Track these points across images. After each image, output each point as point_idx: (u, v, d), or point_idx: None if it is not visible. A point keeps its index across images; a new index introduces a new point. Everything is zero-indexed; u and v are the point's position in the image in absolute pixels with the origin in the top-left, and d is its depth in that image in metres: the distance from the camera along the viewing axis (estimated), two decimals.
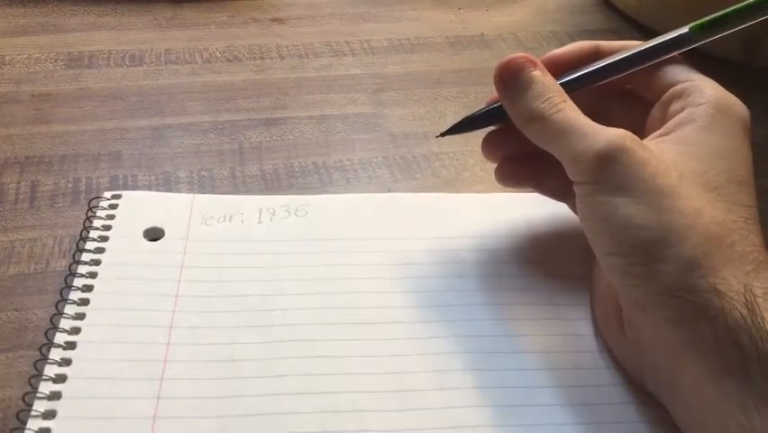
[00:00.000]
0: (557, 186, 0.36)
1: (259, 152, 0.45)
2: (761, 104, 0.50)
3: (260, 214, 0.39)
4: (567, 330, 0.34)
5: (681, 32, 0.34)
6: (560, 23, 0.60)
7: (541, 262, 0.37)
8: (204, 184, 0.42)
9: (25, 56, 0.52)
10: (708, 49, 0.54)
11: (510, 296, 0.35)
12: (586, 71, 0.35)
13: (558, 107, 0.32)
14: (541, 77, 0.33)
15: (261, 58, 0.54)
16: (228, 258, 0.36)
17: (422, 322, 0.34)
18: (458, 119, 0.37)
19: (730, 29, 0.33)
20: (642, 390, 0.31)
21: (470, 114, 0.36)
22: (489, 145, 0.37)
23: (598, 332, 0.34)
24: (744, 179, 0.31)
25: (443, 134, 0.37)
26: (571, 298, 0.35)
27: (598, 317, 0.34)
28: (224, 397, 0.30)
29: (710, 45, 0.54)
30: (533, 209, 0.39)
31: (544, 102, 0.32)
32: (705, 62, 0.53)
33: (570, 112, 0.32)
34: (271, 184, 0.42)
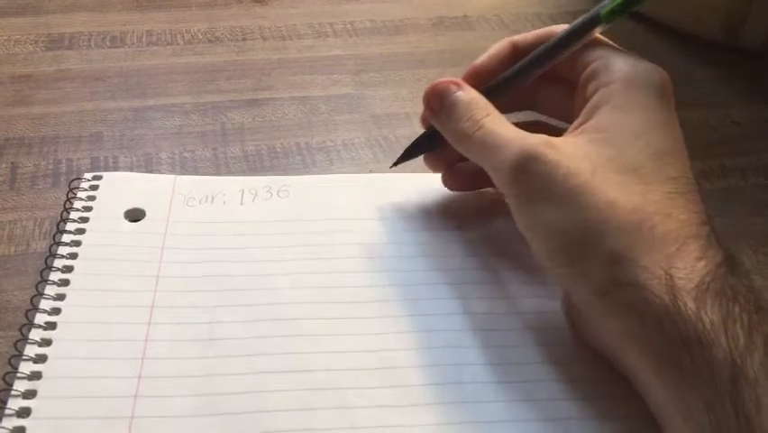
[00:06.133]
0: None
1: (241, 134, 0.45)
2: (742, 84, 0.50)
3: (242, 195, 0.39)
4: (542, 307, 0.34)
5: (592, 16, 0.33)
6: (543, 5, 0.60)
7: (516, 241, 0.37)
8: (186, 165, 0.42)
9: (5, 38, 0.52)
10: (689, 30, 0.55)
11: (489, 276, 0.35)
12: (507, 76, 0.35)
13: (479, 124, 0.33)
14: (464, 96, 0.34)
15: (244, 39, 0.53)
16: (210, 239, 0.36)
17: (402, 300, 0.34)
18: None
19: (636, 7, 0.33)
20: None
21: (413, 141, 0.38)
22: (429, 159, 0.38)
23: (571, 325, 0.34)
24: (666, 149, 0.30)
25: (394, 164, 0.39)
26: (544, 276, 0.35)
27: (567, 311, 0.34)
28: (206, 375, 0.30)
29: (692, 26, 0.55)
30: None
31: (467, 122, 0.33)
32: (687, 43, 0.54)
33: (490, 126, 0.32)
34: (254, 165, 0.42)
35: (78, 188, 0.38)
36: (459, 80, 0.35)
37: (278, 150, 0.44)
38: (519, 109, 0.38)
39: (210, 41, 0.53)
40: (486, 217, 0.38)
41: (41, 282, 0.33)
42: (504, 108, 0.35)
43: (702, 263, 0.27)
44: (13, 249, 0.36)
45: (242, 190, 0.39)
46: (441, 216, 0.38)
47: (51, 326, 0.31)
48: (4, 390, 0.29)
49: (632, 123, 0.30)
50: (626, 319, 0.27)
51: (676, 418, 0.26)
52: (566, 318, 0.33)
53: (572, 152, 0.30)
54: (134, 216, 0.37)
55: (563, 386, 0.31)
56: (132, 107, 0.46)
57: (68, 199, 0.38)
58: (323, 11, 0.57)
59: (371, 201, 0.39)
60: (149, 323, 0.32)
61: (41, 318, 0.32)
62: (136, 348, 0.31)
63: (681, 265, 0.27)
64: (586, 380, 0.31)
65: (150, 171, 0.41)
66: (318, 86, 0.49)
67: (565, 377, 0.31)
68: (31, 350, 0.30)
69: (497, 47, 0.36)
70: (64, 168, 0.41)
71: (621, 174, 0.29)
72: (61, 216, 0.37)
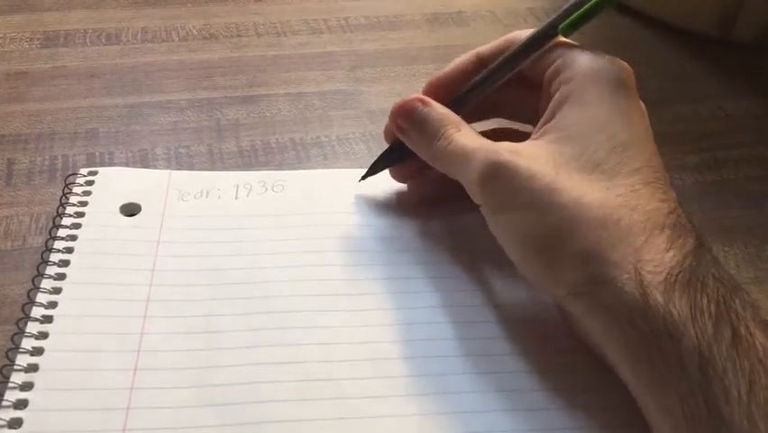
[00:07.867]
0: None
1: (236, 129, 0.45)
2: (735, 78, 0.51)
3: (236, 189, 0.39)
4: (531, 299, 0.34)
5: (549, 28, 0.33)
6: (537, 0, 0.60)
7: None
8: (181, 161, 0.42)
9: (0, 35, 0.52)
10: (682, 24, 0.55)
11: (478, 268, 0.36)
12: (470, 86, 0.35)
13: (449, 139, 0.33)
14: (434, 114, 0.34)
15: (238, 36, 0.54)
16: (205, 233, 0.37)
17: (393, 293, 0.34)
18: None
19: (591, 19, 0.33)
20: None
21: (379, 155, 0.39)
22: (394, 171, 0.39)
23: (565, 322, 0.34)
24: (628, 140, 0.30)
25: (363, 177, 0.39)
26: None
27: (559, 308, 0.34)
28: (202, 368, 0.31)
29: (685, 21, 0.55)
30: None
31: (439, 140, 0.33)
32: (680, 37, 0.54)
33: (460, 140, 0.33)
34: (249, 160, 0.43)
35: (74, 183, 0.39)
36: (424, 97, 0.35)
37: (273, 145, 0.44)
38: (486, 117, 0.38)
39: (205, 38, 0.53)
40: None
41: (37, 276, 0.34)
42: (470, 117, 0.35)
43: (670, 254, 0.27)
44: (9, 244, 0.36)
45: (237, 185, 0.39)
46: (433, 210, 0.39)
47: (48, 319, 0.32)
48: (1, 382, 0.29)
49: (592, 118, 0.30)
50: (602, 317, 0.27)
51: (655, 412, 0.26)
52: (561, 315, 0.33)
53: (535, 155, 0.30)
54: (130, 210, 0.37)
55: (546, 377, 0.31)
56: (128, 104, 0.46)
57: (64, 195, 0.38)
58: (317, 7, 0.58)
59: (365, 196, 0.39)
60: (144, 316, 0.32)
61: (37, 312, 0.32)
62: (132, 341, 0.31)
63: (648, 258, 0.27)
64: (570, 370, 0.31)
65: (146, 167, 0.41)
66: (313, 82, 0.49)
67: (548, 369, 0.31)
68: (28, 343, 0.31)
69: (462, 59, 0.36)
70: (60, 164, 0.41)
71: (584, 171, 0.29)
72: (57, 211, 0.37)
